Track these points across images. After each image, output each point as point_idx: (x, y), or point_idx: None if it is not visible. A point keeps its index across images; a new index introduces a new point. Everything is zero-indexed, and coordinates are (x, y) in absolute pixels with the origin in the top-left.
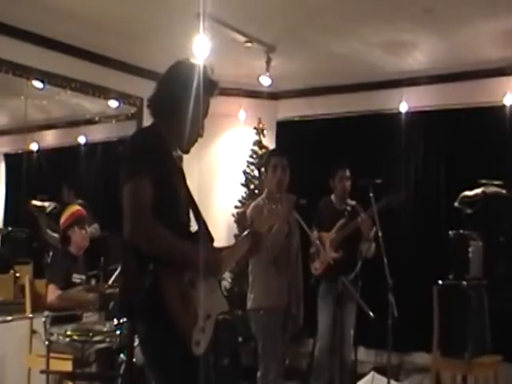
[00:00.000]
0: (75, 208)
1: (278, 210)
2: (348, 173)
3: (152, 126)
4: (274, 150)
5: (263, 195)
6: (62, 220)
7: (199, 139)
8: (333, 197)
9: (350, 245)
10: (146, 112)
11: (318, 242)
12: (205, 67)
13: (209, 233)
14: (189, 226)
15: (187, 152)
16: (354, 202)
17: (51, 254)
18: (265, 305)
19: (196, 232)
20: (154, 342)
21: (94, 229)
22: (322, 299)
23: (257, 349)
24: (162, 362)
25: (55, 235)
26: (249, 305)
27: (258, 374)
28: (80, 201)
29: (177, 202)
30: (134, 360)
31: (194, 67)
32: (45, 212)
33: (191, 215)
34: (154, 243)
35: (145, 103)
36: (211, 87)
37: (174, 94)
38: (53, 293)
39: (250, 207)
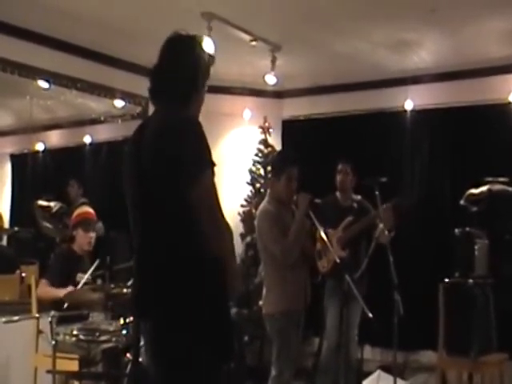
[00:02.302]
0: (84, 210)
1: None
2: (347, 167)
3: (186, 111)
4: (288, 158)
5: (269, 198)
6: (71, 219)
7: None
8: (337, 193)
9: (356, 243)
10: (151, 111)
11: (326, 239)
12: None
13: None
14: None
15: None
16: (359, 197)
17: (54, 252)
18: (281, 309)
19: None
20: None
21: (97, 228)
22: (328, 298)
23: (262, 348)
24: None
25: (49, 226)
26: (264, 310)
27: (273, 373)
28: (83, 199)
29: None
30: (140, 359)
31: (186, 38)
32: (50, 212)
33: None
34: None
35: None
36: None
37: (186, 71)
38: (42, 287)
39: (259, 211)
